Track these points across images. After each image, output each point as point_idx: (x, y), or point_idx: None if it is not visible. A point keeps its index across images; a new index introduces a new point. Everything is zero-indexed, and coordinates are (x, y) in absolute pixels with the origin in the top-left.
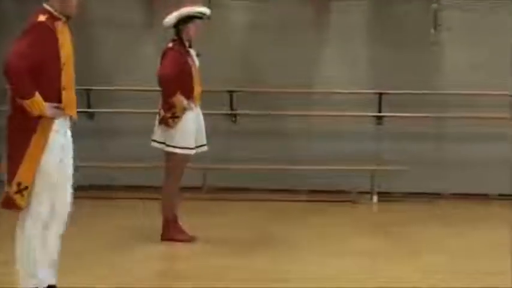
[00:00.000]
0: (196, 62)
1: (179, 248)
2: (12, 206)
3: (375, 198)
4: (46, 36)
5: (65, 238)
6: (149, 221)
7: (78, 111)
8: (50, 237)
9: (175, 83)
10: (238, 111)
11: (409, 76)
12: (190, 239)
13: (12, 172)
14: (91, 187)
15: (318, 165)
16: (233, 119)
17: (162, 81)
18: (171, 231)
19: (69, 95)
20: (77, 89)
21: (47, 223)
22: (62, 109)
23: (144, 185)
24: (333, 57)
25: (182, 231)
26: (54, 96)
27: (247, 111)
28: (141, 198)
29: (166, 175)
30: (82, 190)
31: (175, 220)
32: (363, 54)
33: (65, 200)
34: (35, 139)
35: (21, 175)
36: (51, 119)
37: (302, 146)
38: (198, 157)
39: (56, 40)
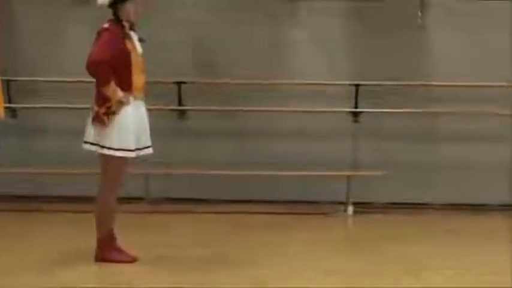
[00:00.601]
0: (139, 48)
1: (117, 269)
2: None
3: (350, 209)
4: None
5: None
6: (81, 238)
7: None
8: None
9: (108, 70)
10: (187, 107)
11: (391, 65)
12: (131, 260)
13: None
14: (13, 198)
15: (283, 171)
16: (181, 115)
17: (92, 68)
18: (106, 251)
19: None
20: None
21: None
22: None
23: (76, 195)
24: (302, 42)
25: (120, 251)
26: None
27: (198, 107)
28: (72, 211)
29: (101, 183)
30: (1, 201)
31: (112, 237)
32: (337, 39)
33: None
34: None
35: None
36: None
37: (264, 148)
38: (139, 161)
39: None
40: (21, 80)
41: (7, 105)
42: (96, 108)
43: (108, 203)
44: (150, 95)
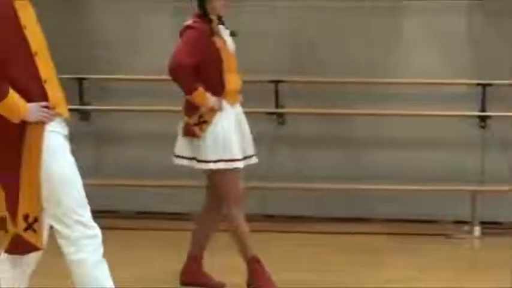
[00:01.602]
0: (230, 45)
1: None
2: (26, 248)
3: (477, 230)
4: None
5: None
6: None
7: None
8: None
9: (193, 75)
10: (285, 109)
11: None
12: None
13: (11, 204)
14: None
15: (397, 185)
16: (280, 119)
17: (174, 73)
18: (196, 274)
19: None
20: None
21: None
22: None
23: (156, 211)
24: (416, 34)
25: (206, 275)
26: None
27: (298, 110)
28: (147, 229)
29: (221, 203)
30: None
31: (200, 259)
32: (462, 32)
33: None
34: (25, 152)
35: (24, 204)
36: (42, 124)
37: (373, 157)
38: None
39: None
40: (94, 78)
41: (78, 107)
42: (185, 118)
43: (235, 224)
44: (243, 96)
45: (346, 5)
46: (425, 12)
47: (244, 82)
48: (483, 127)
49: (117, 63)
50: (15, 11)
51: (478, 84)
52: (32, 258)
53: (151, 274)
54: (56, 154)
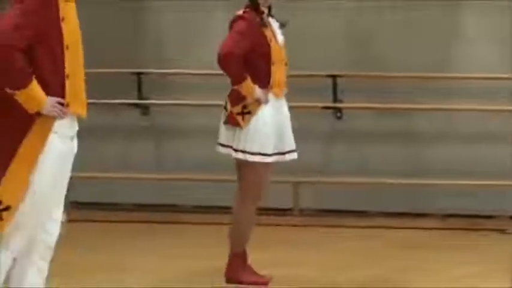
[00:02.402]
0: (279, 37)
1: None
2: None
3: None
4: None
5: None
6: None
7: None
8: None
9: (242, 65)
10: (343, 104)
11: None
12: (265, 282)
13: None
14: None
15: (456, 180)
16: (337, 114)
17: (223, 62)
18: (240, 270)
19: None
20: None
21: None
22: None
23: (210, 204)
24: (474, 29)
25: (252, 271)
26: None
27: (355, 104)
28: (208, 223)
29: (239, 192)
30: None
31: (244, 255)
32: None
33: (54, 225)
34: (26, 143)
35: (3, 190)
36: (52, 118)
37: (435, 152)
38: (287, 167)
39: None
40: (153, 73)
41: (138, 101)
42: (229, 107)
43: (245, 214)
44: (300, 90)
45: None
46: (484, 7)
47: (302, 76)
48: None
49: (175, 59)
50: (56, 2)
51: None
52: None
53: (204, 269)
54: (50, 161)
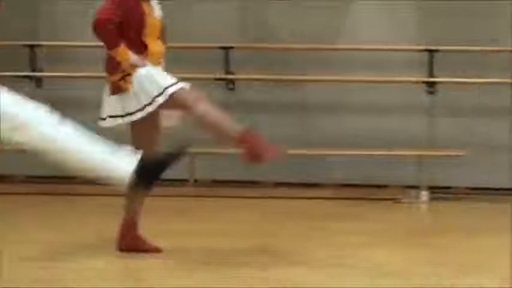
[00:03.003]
0: (157, 11)
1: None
2: None
3: (425, 195)
4: None
5: None
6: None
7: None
8: None
9: (117, 31)
10: (236, 76)
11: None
12: (154, 251)
13: None
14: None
15: (348, 150)
16: (230, 86)
17: (98, 28)
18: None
19: None
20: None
21: None
22: None
23: None
24: (365, 1)
25: (141, 239)
26: None
27: (248, 76)
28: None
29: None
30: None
31: (134, 224)
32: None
33: None
34: None
35: None
36: None
37: (325, 123)
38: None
39: None
40: (48, 45)
41: (32, 73)
42: (109, 77)
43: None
44: (193, 63)
45: None
46: None
47: (195, 48)
48: (431, 92)
49: (68, 31)
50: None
51: (426, 50)
52: None
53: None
54: None
